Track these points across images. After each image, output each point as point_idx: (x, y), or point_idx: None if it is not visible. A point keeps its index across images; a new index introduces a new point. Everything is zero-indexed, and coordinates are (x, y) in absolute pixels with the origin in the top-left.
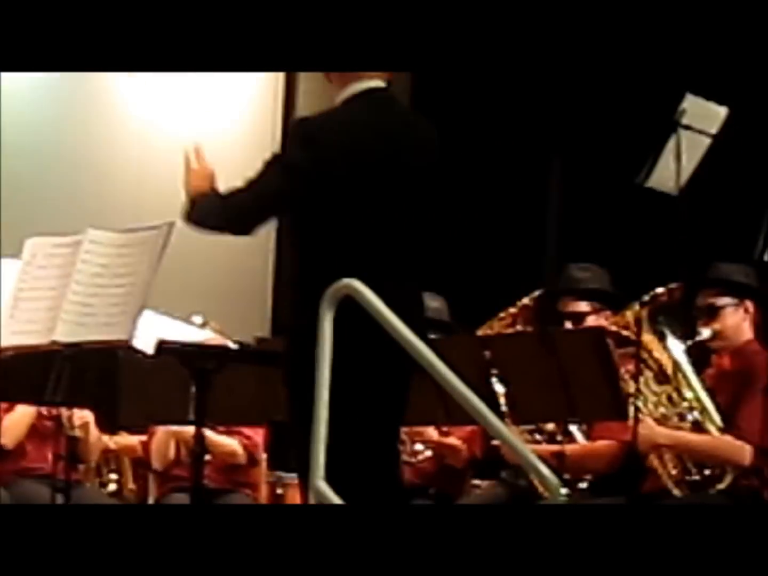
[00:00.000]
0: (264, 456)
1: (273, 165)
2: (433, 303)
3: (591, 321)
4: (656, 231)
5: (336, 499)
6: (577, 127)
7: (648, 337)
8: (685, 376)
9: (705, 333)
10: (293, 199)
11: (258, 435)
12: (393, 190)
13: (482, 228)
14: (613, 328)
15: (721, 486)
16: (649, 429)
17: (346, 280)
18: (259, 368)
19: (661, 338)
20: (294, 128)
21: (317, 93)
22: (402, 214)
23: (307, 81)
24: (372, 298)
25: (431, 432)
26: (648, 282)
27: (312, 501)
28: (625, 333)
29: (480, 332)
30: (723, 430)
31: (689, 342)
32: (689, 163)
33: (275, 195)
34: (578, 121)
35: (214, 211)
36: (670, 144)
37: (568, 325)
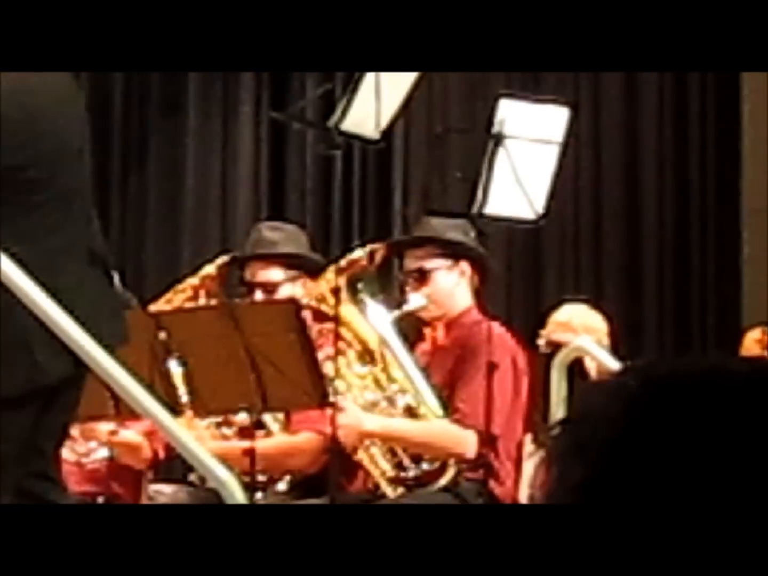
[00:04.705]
0: None
1: None
2: None
3: (286, 291)
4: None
5: None
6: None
7: (348, 309)
8: (393, 354)
9: (414, 301)
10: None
11: None
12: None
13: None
14: (309, 301)
15: (443, 482)
16: (355, 418)
17: None
18: None
19: (363, 310)
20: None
21: None
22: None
23: None
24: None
25: (103, 428)
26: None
27: None
28: (320, 306)
29: (153, 308)
30: (443, 416)
31: (396, 312)
32: (392, 101)
33: None
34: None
35: None
36: (368, 80)
37: (259, 296)
